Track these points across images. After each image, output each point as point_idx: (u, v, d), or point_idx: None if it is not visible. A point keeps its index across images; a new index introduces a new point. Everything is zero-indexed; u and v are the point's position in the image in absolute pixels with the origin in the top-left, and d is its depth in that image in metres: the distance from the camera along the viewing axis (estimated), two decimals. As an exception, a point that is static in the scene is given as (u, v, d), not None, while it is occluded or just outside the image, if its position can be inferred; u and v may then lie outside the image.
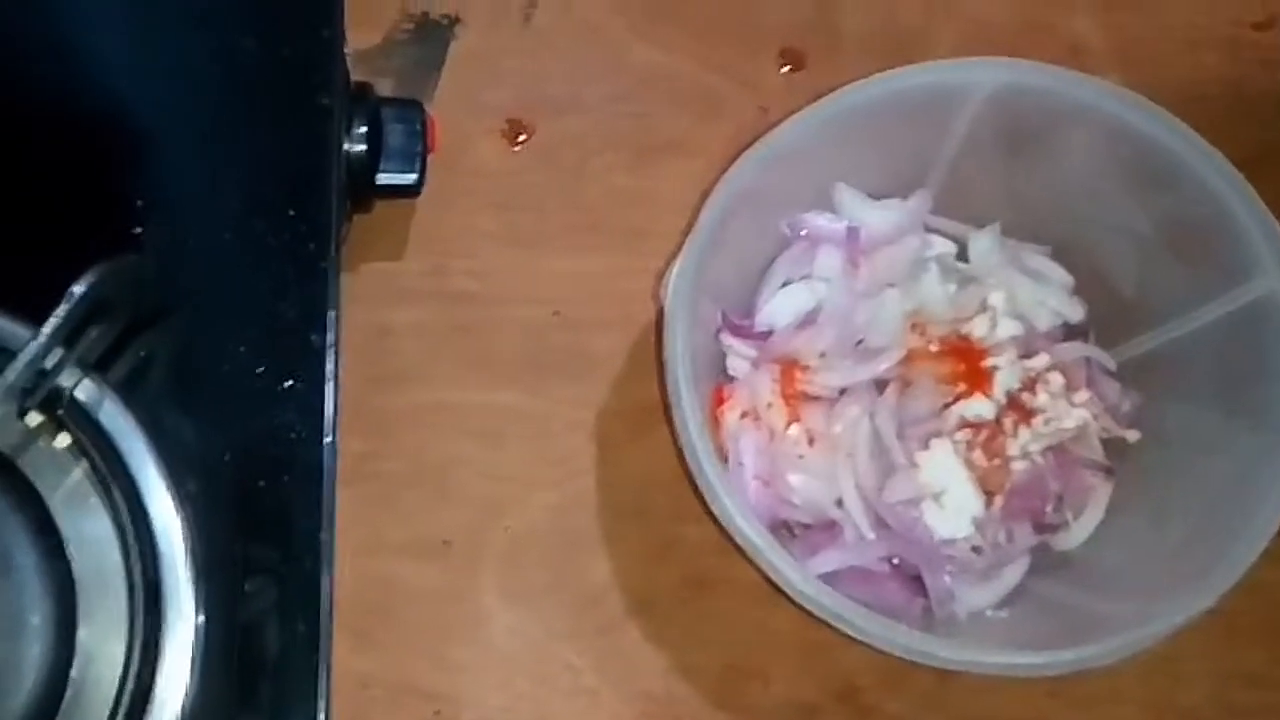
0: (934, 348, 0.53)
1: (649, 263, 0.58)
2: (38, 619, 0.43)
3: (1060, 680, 0.54)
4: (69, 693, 0.43)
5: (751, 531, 0.48)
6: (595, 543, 0.56)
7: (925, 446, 0.52)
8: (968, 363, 0.53)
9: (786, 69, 0.62)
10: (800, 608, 0.49)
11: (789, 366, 0.54)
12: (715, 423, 0.54)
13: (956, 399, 0.52)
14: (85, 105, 0.50)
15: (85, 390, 0.45)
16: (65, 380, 0.44)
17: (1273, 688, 0.56)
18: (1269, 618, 0.56)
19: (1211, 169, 0.50)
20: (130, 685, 0.43)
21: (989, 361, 0.53)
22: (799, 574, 0.48)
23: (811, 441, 0.53)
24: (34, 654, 0.43)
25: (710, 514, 0.50)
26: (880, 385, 0.54)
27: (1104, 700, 0.56)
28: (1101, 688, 0.55)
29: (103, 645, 0.43)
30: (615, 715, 0.55)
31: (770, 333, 0.55)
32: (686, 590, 0.56)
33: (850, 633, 0.48)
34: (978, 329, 0.53)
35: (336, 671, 0.45)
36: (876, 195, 0.56)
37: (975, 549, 0.53)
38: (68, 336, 0.43)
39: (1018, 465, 0.53)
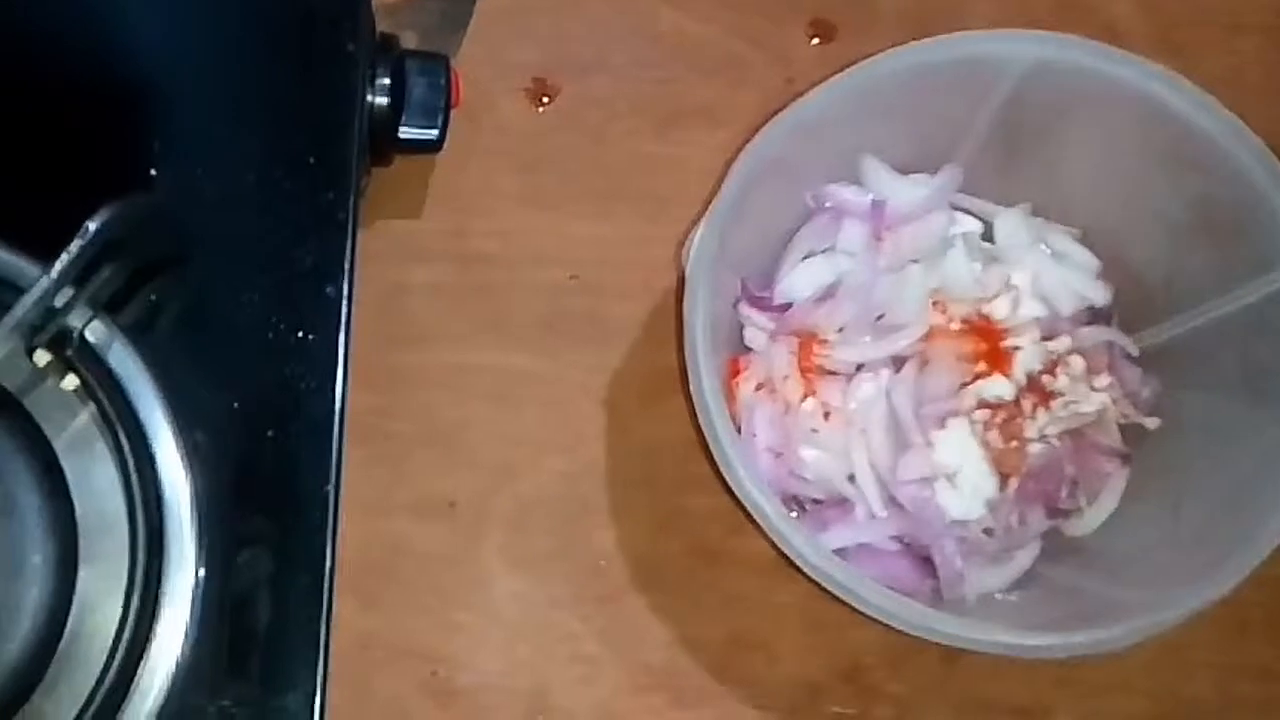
0: (955, 326, 0.53)
1: (670, 230, 0.58)
2: (39, 559, 0.43)
3: (1066, 667, 0.54)
4: (66, 637, 0.43)
5: (764, 502, 0.47)
6: (602, 510, 0.56)
7: (941, 425, 0.52)
8: (988, 342, 0.52)
9: (816, 40, 0.61)
10: (807, 583, 0.48)
11: (807, 340, 0.53)
12: (730, 394, 0.54)
13: (975, 378, 0.52)
14: (106, 43, 0.49)
15: (95, 331, 0.44)
16: (75, 320, 0.44)
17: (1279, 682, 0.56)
18: (1277, 612, 0.56)
19: (1247, 153, 0.49)
20: (128, 632, 0.43)
21: (1010, 342, 0.52)
22: (811, 546, 0.47)
23: (826, 416, 0.53)
24: (33, 595, 0.43)
25: (720, 486, 0.50)
26: (898, 362, 0.53)
27: (1110, 689, 0.55)
28: (1108, 676, 0.55)
29: (102, 590, 0.43)
30: (615, 684, 0.55)
31: (789, 305, 0.54)
32: (693, 562, 0.56)
33: (860, 608, 0.47)
34: (1000, 309, 0.53)
35: (337, 629, 0.45)
36: (904, 169, 0.55)
37: (987, 531, 0.52)
38: (79, 275, 0.43)
39: (1034, 448, 0.52)
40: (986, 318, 0.53)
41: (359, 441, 0.48)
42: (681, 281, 0.51)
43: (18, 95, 0.47)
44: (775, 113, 0.51)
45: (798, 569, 0.48)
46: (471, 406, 0.57)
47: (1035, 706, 0.55)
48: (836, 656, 0.55)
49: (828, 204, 0.55)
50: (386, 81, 0.51)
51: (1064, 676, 0.55)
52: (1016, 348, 0.52)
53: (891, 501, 0.52)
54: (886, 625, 0.48)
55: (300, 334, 0.47)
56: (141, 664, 0.42)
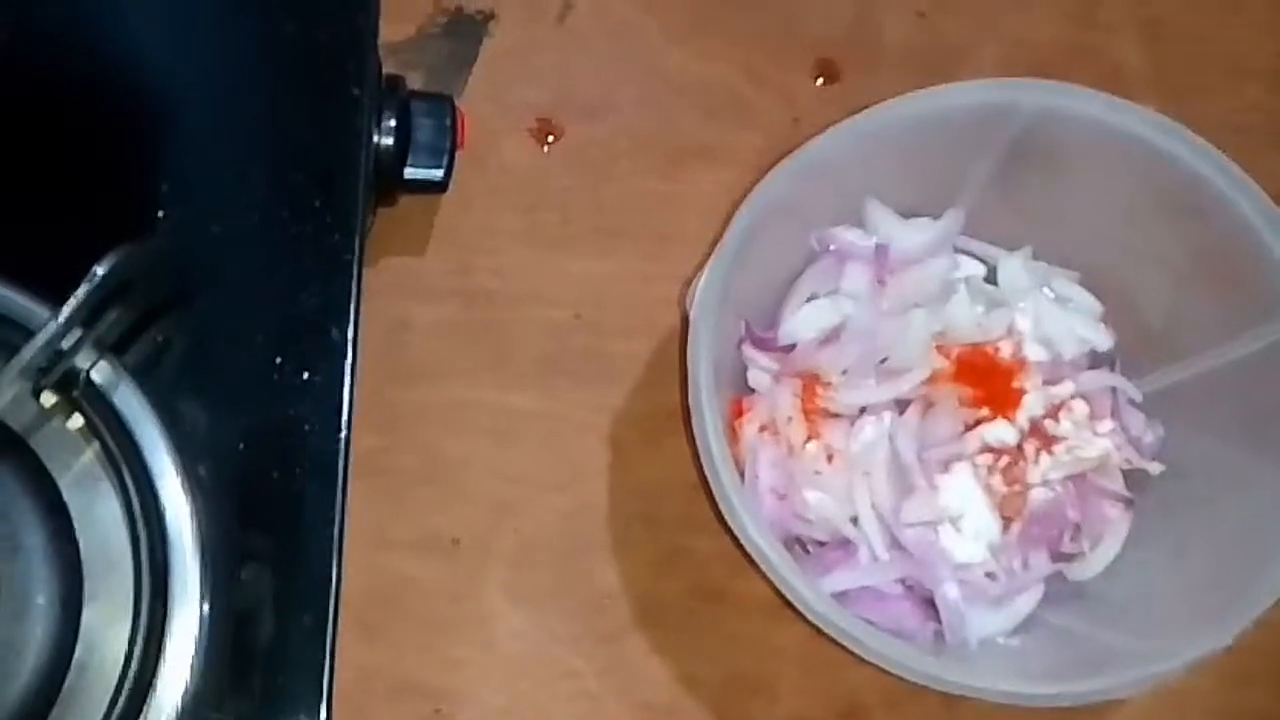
0: (958, 370, 0.53)
1: (673, 269, 0.58)
2: (43, 599, 0.44)
3: (1068, 712, 0.54)
4: (71, 675, 0.43)
5: (766, 546, 0.47)
6: (604, 549, 0.56)
7: (945, 469, 0.52)
8: (996, 383, 0.52)
9: (821, 81, 0.61)
10: (808, 624, 0.48)
11: (810, 382, 0.54)
12: (733, 435, 0.54)
13: (978, 423, 0.52)
14: (114, 84, 0.49)
15: (101, 372, 0.44)
16: (82, 361, 0.44)
17: (1280, 728, 0.56)
18: (1278, 658, 0.56)
19: (1249, 202, 0.50)
20: (133, 670, 0.43)
21: (1017, 382, 0.52)
22: (812, 591, 0.47)
23: (830, 459, 0.53)
24: (38, 635, 0.43)
25: (721, 526, 0.50)
26: (902, 405, 0.53)
27: (1111, 734, 0.55)
28: (1109, 722, 0.55)
29: (107, 629, 0.43)
30: (615, 723, 0.55)
31: (793, 347, 0.55)
32: (694, 601, 0.56)
33: (861, 654, 0.47)
34: (1003, 353, 0.53)
35: (339, 665, 0.45)
36: (907, 213, 0.56)
37: (990, 574, 0.52)
38: (86, 317, 0.43)
39: (1037, 493, 0.52)
40: (991, 359, 0.53)
41: (361, 477, 0.48)
42: (685, 321, 0.51)
43: (26, 138, 0.48)
44: (780, 153, 0.51)
45: (799, 611, 0.48)
46: (473, 443, 0.57)
47: (1036, 749, 0.55)
48: (836, 698, 0.55)
49: (832, 247, 0.55)
50: (392, 123, 0.51)
51: (1064, 720, 0.55)
52: (1021, 390, 0.52)
53: (895, 544, 0.52)
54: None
55: (305, 375, 0.47)
56: (147, 702, 0.43)
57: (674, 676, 0.55)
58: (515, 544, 0.56)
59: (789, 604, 0.48)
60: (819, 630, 0.48)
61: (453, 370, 0.57)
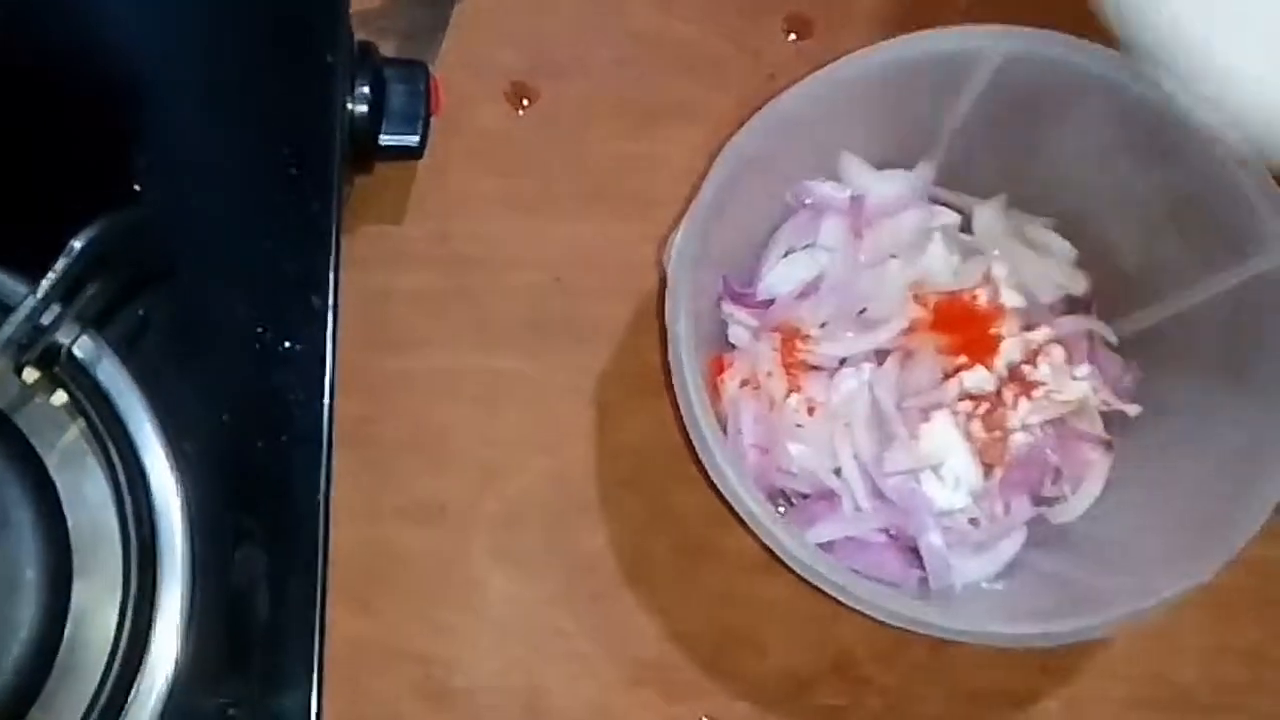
0: (935, 318, 0.53)
1: (652, 229, 0.58)
2: (33, 575, 0.44)
3: (1053, 655, 0.55)
4: (63, 650, 0.43)
5: (749, 499, 0.48)
6: (590, 509, 0.56)
7: (925, 418, 0.52)
8: (975, 330, 0.53)
9: (793, 37, 0.61)
10: (796, 578, 0.49)
11: (790, 336, 0.54)
12: (715, 392, 0.54)
13: (957, 370, 0.52)
14: (87, 59, 0.49)
15: (83, 347, 0.45)
16: (63, 336, 0.44)
17: (1266, 665, 0.57)
18: (1263, 595, 0.56)
19: (1221, 143, 0.49)
20: (124, 643, 0.43)
21: (991, 330, 0.52)
22: (797, 542, 0.48)
23: (811, 411, 0.53)
24: (29, 610, 0.43)
25: (707, 482, 0.50)
26: (881, 356, 0.54)
27: (1097, 676, 0.56)
28: (1095, 664, 0.56)
29: (97, 603, 0.44)
30: (607, 681, 0.55)
31: (772, 302, 0.55)
32: (681, 558, 0.56)
33: (848, 602, 0.48)
34: (980, 300, 0.53)
35: (330, 634, 0.45)
36: (881, 164, 0.56)
37: (973, 521, 0.53)
38: (66, 292, 0.43)
39: (1017, 438, 0.53)
40: (969, 307, 0.53)
41: (346, 447, 0.48)
42: (664, 280, 0.51)
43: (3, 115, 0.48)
44: (754, 110, 0.51)
45: (786, 564, 0.49)
46: (458, 409, 0.57)
47: (1024, 693, 0.56)
48: (826, 649, 0.56)
49: (807, 200, 0.55)
50: (366, 90, 0.51)
51: (1052, 663, 0.56)
52: (998, 336, 0.53)
53: (877, 494, 0.53)
54: (875, 618, 0.48)
55: (287, 344, 0.47)
56: (139, 673, 0.43)
57: (663, 633, 0.55)
58: (502, 508, 0.56)
59: (776, 558, 0.49)
60: (807, 582, 0.48)
61: (434, 337, 0.57)
